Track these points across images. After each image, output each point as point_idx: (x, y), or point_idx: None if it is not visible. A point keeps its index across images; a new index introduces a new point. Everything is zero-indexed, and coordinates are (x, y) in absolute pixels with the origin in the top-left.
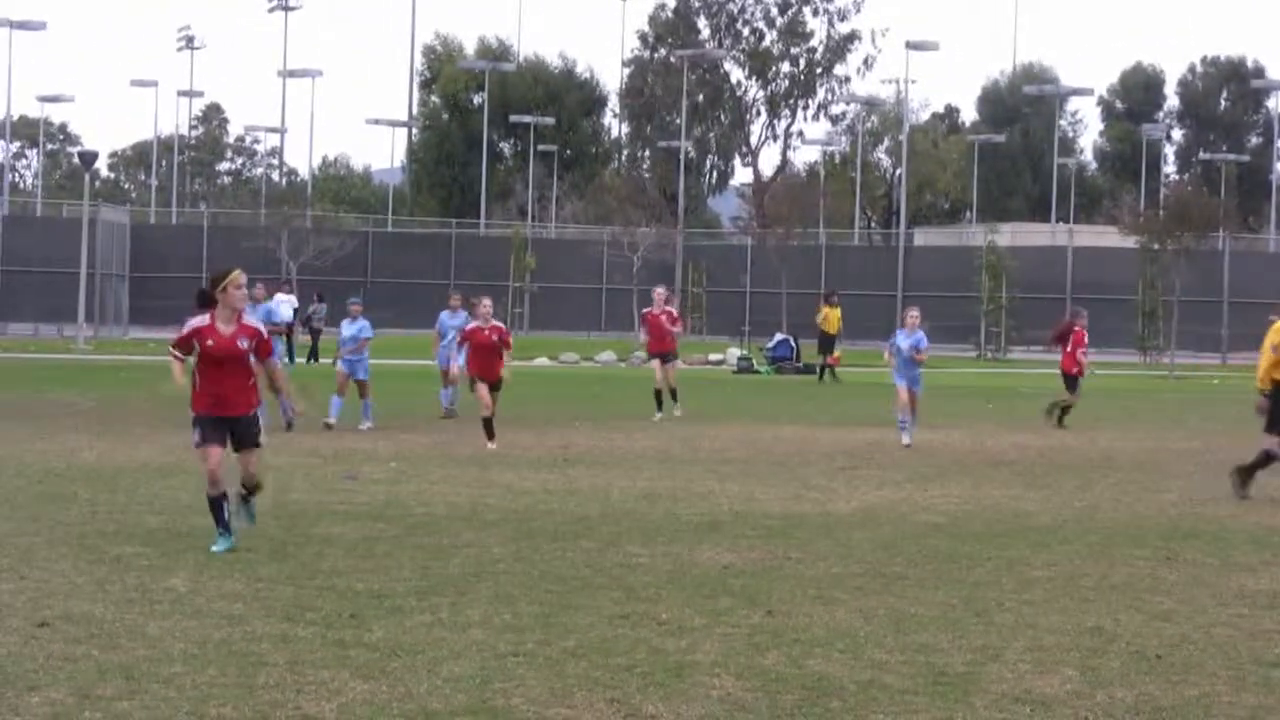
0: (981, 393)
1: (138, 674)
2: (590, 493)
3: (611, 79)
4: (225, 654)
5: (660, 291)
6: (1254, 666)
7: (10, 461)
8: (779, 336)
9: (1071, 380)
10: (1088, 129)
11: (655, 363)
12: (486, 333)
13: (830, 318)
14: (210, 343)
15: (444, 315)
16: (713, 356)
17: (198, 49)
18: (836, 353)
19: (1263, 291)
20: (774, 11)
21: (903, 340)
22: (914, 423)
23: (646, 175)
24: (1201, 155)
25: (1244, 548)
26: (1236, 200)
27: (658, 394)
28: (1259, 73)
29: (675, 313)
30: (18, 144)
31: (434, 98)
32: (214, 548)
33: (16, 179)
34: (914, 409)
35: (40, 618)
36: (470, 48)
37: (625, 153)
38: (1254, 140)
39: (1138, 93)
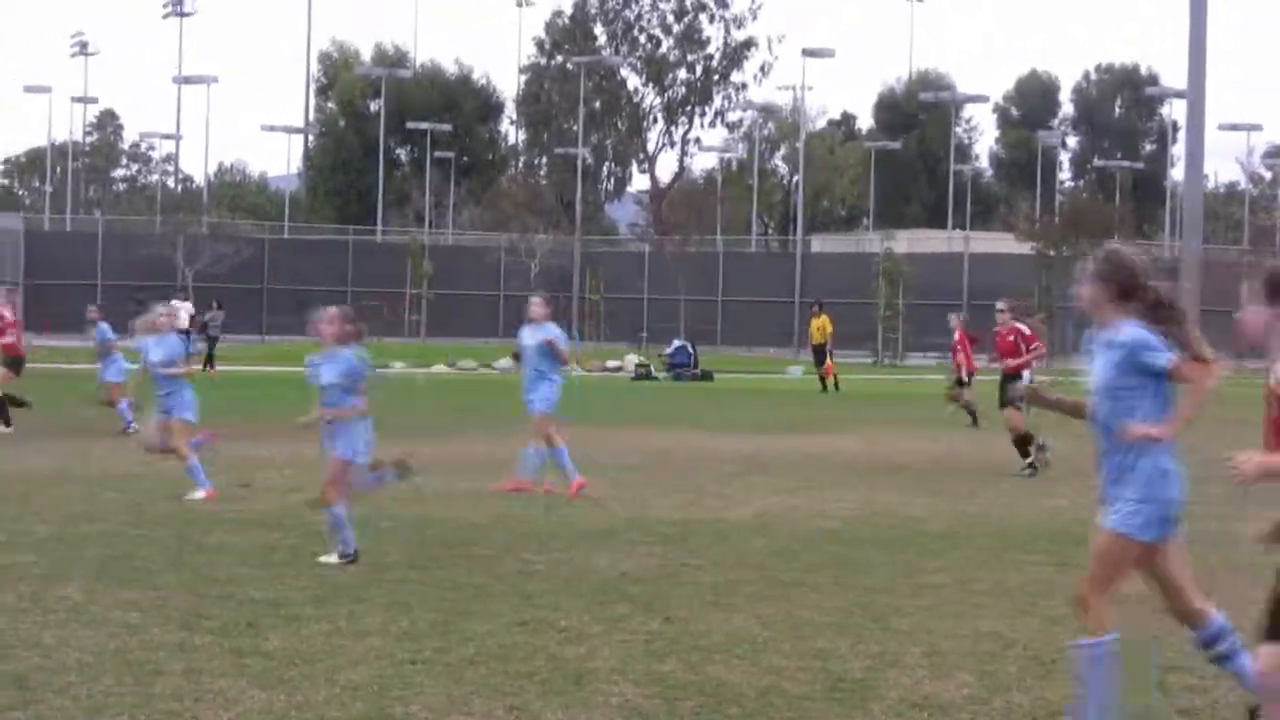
0: (881, 399)
1: (32, 684)
2: (487, 500)
3: (509, 86)
4: (121, 663)
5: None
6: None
7: None
8: (677, 343)
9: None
10: (983, 136)
11: None
12: None
13: (815, 327)
14: None
15: None
16: (610, 363)
17: (92, 55)
18: (829, 362)
19: None
20: (670, 19)
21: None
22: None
23: (544, 182)
24: (1096, 162)
25: None
26: (1131, 207)
27: None
28: (1153, 80)
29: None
30: None
31: (331, 104)
32: None
33: None
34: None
35: None
36: (367, 54)
37: (522, 159)
38: (1148, 147)
39: (1033, 100)
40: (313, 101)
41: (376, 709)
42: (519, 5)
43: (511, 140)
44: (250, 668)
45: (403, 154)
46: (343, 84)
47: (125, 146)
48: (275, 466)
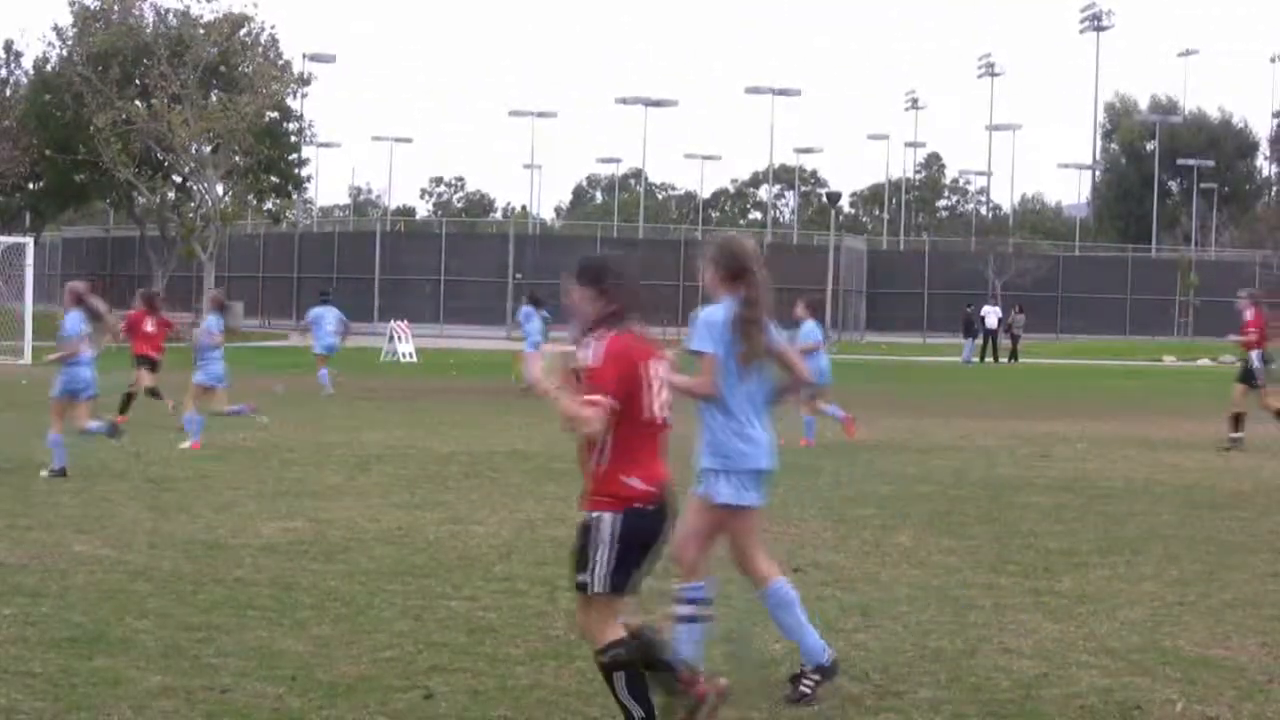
0: None
1: (872, 611)
2: (1244, 471)
3: (1263, 128)
4: (941, 598)
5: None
6: None
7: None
8: None
9: None
10: None
11: None
12: None
13: None
14: None
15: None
16: None
17: (920, 109)
18: None
19: None
20: None
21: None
22: None
23: None
24: None
25: None
26: None
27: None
28: None
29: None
30: (778, 187)
31: (1114, 145)
32: None
33: (777, 215)
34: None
35: (795, 564)
36: (1144, 104)
37: (1275, 189)
38: None
39: None
40: (1099, 143)
41: (1149, 642)
42: (1272, 61)
43: (1265, 174)
44: (1045, 604)
45: (1173, 186)
46: (1124, 129)
47: (946, 182)
48: (1069, 440)
